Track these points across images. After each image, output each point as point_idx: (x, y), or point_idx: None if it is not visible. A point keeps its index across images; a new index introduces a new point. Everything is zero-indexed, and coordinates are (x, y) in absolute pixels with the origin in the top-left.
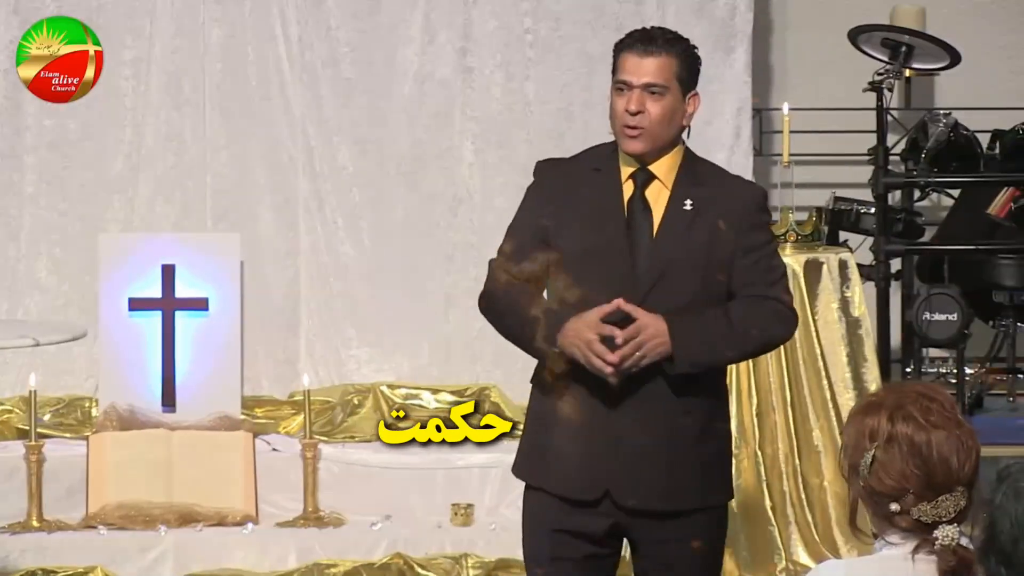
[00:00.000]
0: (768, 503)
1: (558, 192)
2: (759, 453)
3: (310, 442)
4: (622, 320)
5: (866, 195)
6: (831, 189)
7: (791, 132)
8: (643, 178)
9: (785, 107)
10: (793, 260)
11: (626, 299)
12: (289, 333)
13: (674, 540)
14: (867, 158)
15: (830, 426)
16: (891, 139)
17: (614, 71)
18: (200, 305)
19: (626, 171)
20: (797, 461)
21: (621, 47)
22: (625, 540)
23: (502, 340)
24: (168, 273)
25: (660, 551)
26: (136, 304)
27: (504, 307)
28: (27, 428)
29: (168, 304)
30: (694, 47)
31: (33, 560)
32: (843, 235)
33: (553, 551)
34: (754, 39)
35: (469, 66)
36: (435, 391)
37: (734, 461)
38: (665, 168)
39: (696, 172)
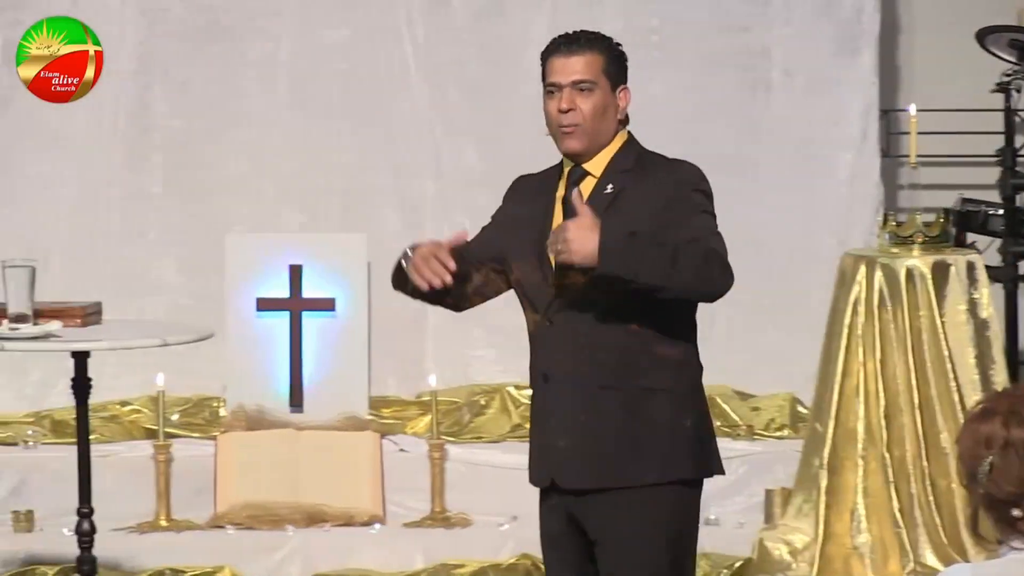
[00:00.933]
0: (896, 505)
1: (515, 200)
2: (887, 455)
3: (437, 442)
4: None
5: (994, 197)
6: (959, 191)
7: (918, 133)
8: (577, 174)
9: (912, 108)
10: (921, 262)
11: (544, 283)
12: (416, 334)
13: (615, 518)
14: (995, 159)
15: (958, 428)
16: (1019, 140)
17: (543, 78)
18: (327, 306)
19: (566, 172)
20: (925, 463)
21: (546, 53)
22: None
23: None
24: (295, 274)
25: (605, 532)
26: (264, 304)
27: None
28: (155, 428)
29: (296, 304)
30: (618, 44)
31: (161, 559)
32: (971, 237)
33: (547, 544)
34: (881, 40)
35: None
36: None
37: (861, 462)
38: (599, 162)
39: (626, 160)
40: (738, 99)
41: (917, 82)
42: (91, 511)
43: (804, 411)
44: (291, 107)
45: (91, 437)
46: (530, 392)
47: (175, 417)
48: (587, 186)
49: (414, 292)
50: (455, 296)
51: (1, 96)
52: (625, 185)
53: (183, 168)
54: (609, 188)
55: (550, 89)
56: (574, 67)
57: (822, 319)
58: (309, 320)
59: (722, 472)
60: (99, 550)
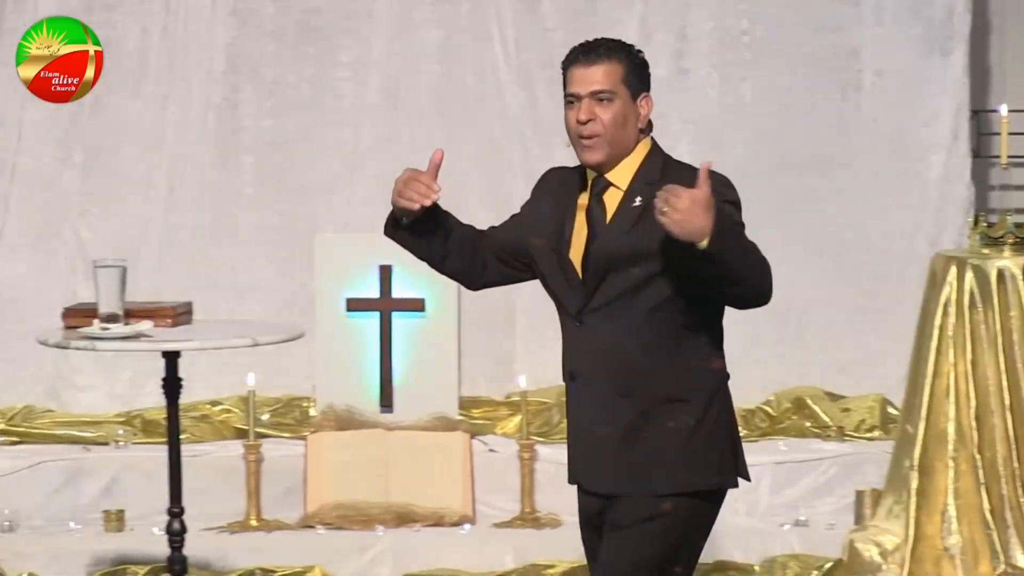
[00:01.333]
0: (987, 506)
1: (540, 197)
2: (978, 456)
3: (527, 443)
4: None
5: None
6: None
7: (1010, 134)
8: (599, 186)
9: (1004, 109)
10: (1012, 263)
11: (574, 298)
12: (506, 334)
13: (616, 523)
14: None
15: None
16: None
17: (564, 87)
18: (417, 306)
19: (590, 181)
20: (1016, 465)
21: (566, 63)
22: None
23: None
24: (385, 274)
25: (612, 529)
26: (354, 304)
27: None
28: (246, 428)
29: (385, 304)
30: (639, 51)
31: (252, 559)
32: None
33: (585, 539)
34: (972, 40)
35: (685, 67)
36: None
37: (951, 463)
38: (623, 172)
39: (652, 170)
40: (828, 100)
41: (1008, 83)
42: (182, 511)
43: (894, 412)
44: (382, 108)
45: (182, 437)
46: None
47: (265, 417)
48: (612, 197)
49: (404, 234)
50: (455, 253)
51: (94, 96)
52: (651, 196)
53: (274, 168)
54: (637, 201)
55: (569, 100)
56: (593, 77)
57: (913, 320)
58: (399, 320)
59: (748, 478)
60: (189, 550)
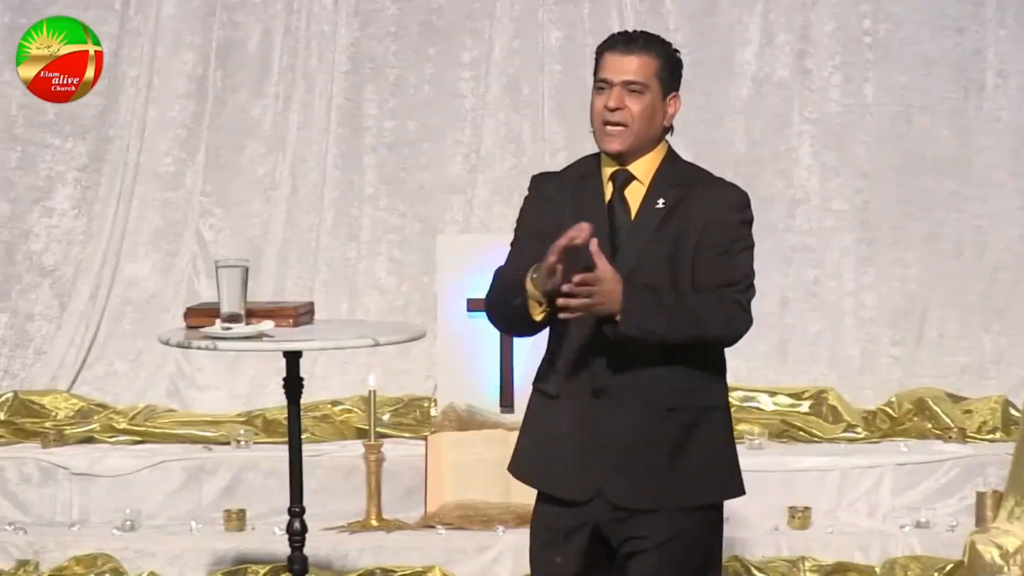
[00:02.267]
0: None
1: (550, 199)
2: None
3: None
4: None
5: None
6: None
7: None
8: (622, 178)
9: None
10: None
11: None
12: None
13: (652, 538)
14: None
15: None
16: None
17: (595, 72)
18: None
19: (607, 173)
20: None
21: (603, 48)
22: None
23: (841, 342)
24: None
25: (647, 551)
26: (475, 305)
27: (497, 293)
28: (366, 428)
29: None
30: (676, 50)
31: (372, 559)
32: None
33: (548, 553)
34: None
35: (807, 68)
36: (772, 393)
37: None
38: (644, 168)
39: (675, 173)
40: (950, 100)
41: None
42: (302, 510)
43: (1016, 414)
44: (503, 108)
45: (303, 437)
46: (741, 394)
47: (386, 417)
48: (634, 192)
49: (545, 315)
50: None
51: (216, 96)
52: (677, 200)
53: (395, 168)
54: (660, 203)
55: (600, 85)
56: (628, 66)
57: None
58: None
59: (743, 492)
60: (310, 549)
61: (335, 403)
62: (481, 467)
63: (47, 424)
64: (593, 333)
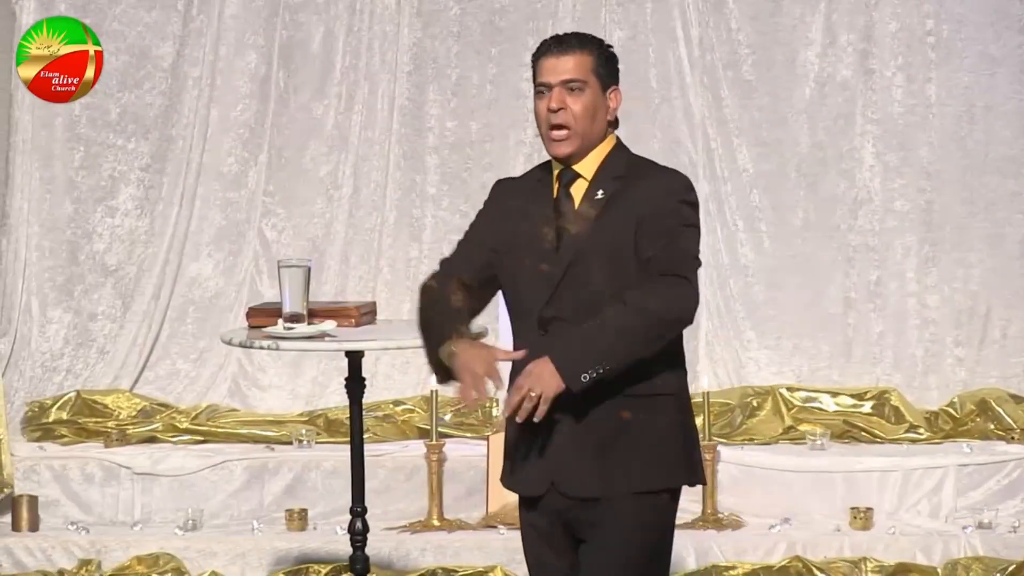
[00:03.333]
0: None
1: (503, 206)
2: None
3: (709, 444)
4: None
5: None
6: None
7: None
8: (568, 177)
9: None
10: None
11: (542, 289)
12: (689, 335)
13: (606, 525)
14: None
15: None
16: None
17: (534, 79)
18: None
19: (556, 174)
20: None
21: (537, 54)
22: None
23: (903, 343)
24: None
25: (595, 533)
26: None
27: (428, 314)
28: (428, 427)
29: None
30: (609, 46)
31: (433, 559)
32: None
33: (536, 556)
34: None
35: (870, 68)
36: (834, 394)
37: None
38: (589, 165)
39: (618, 165)
40: (1013, 100)
41: None
42: (364, 510)
43: None
44: None
45: (364, 436)
46: (803, 394)
47: (448, 417)
48: (579, 188)
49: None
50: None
51: (278, 96)
52: (616, 191)
53: (457, 168)
54: (600, 194)
55: (540, 89)
56: (564, 66)
57: None
58: None
59: (704, 482)
60: (371, 549)
61: (397, 403)
62: None
63: (110, 424)
64: (535, 326)
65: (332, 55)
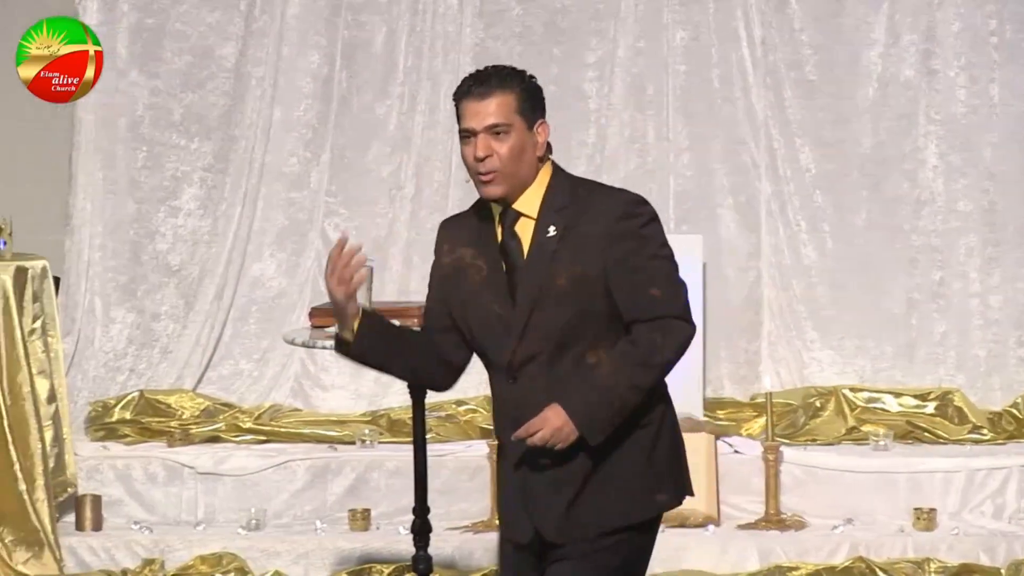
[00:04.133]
0: None
1: (448, 251)
2: None
3: (772, 444)
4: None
5: None
6: None
7: None
8: (511, 217)
9: None
10: None
11: (504, 337)
12: (750, 335)
13: (571, 551)
14: None
15: None
16: None
17: (458, 121)
18: None
19: (497, 215)
20: None
21: (458, 96)
22: None
23: (967, 344)
24: None
25: (557, 558)
26: None
27: None
28: (491, 427)
29: None
30: (532, 77)
31: (495, 559)
32: None
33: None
34: None
35: (933, 68)
36: (897, 395)
37: None
38: (530, 201)
39: (561, 196)
40: None
41: None
42: (427, 510)
43: None
44: (627, 108)
45: (427, 436)
46: (866, 395)
47: None
48: (525, 227)
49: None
50: (427, 369)
51: (341, 96)
52: (567, 224)
53: None
54: (551, 231)
55: (465, 135)
56: (486, 111)
57: None
58: None
59: (691, 493)
60: (434, 549)
61: (460, 403)
62: None
63: (173, 423)
64: (504, 374)
65: (394, 55)
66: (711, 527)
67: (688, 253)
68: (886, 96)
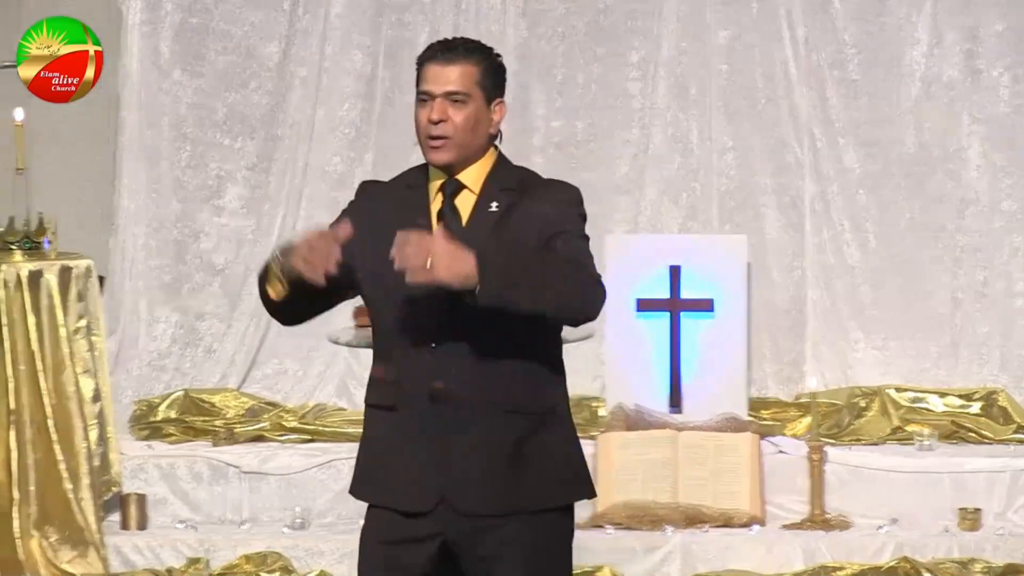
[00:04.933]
0: None
1: (367, 211)
2: None
3: (817, 444)
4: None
5: None
6: None
7: None
8: (452, 188)
9: None
10: None
11: (435, 306)
12: (795, 335)
13: (502, 544)
14: None
15: None
16: None
17: (417, 83)
18: (705, 306)
19: (435, 184)
20: None
21: (422, 59)
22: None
23: (1011, 344)
24: (675, 274)
25: (504, 555)
26: (643, 305)
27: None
28: None
29: (675, 305)
30: (498, 55)
31: None
32: None
33: (387, 565)
34: None
35: (977, 68)
36: (942, 394)
37: None
38: (474, 176)
39: (506, 178)
40: None
41: None
42: None
43: None
44: (670, 108)
45: None
46: (911, 395)
47: None
48: (465, 201)
49: (280, 296)
50: (310, 305)
51: (384, 95)
52: (510, 204)
53: (562, 168)
54: (494, 206)
55: (422, 97)
56: (448, 77)
57: None
58: (688, 320)
59: (594, 495)
60: None
61: None
62: (649, 467)
63: (217, 422)
64: (423, 341)
65: None
66: (756, 527)
67: (732, 253)
68: (929, 96)
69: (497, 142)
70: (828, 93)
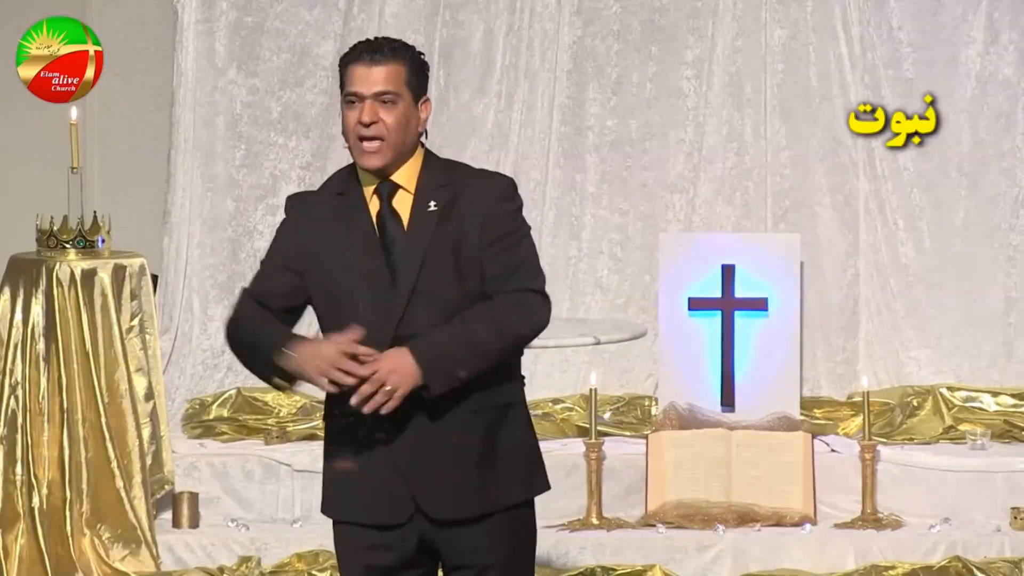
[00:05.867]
0: None
1: (305, 227)
2: None
3: (869, 444)
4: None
5: None
6: None
7: None
8: (388, 190)
9: None
10: None
11: (389, 311)
12: (848, 334)
13: (481, 545)
14: None
15: None
16: None
17: (342, 85)
18: (759, 305)
19: (369, 188)
20: None
21: (347, 60)
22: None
23: None
24: (728, 273)
25: (470, 558)
26: (696, 304)
27: (249, 336)
28: (587, 426)
29: (728, 304)
30: (421, 53)
31: (592, 557)
32: None
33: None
34: None
35: None
36: (995, 394)
37: None
38: (407, 176)
39: (439, 174)
40: None
41: None
42: None
43: None
44: (725, 107)
45: None
46: (964, 394)
47: (607, 415)
48: (402, 201)
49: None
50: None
51: (439, 94)
52: (448, 200)
53: (617, 167)
54: (432, 205)
55: (350, 99)
56: (377, 78)
57: None
58: (741, 320)
59: (550, 487)
60: None
61: (556, 401)
62: (702, 466)
63: (270, 421)
64: (380, 349)
65: (492, 53)
66: (808, 526)
67: (786, 252)
68: (984, 95)
69: (423, 139)
70: (883, 92)
